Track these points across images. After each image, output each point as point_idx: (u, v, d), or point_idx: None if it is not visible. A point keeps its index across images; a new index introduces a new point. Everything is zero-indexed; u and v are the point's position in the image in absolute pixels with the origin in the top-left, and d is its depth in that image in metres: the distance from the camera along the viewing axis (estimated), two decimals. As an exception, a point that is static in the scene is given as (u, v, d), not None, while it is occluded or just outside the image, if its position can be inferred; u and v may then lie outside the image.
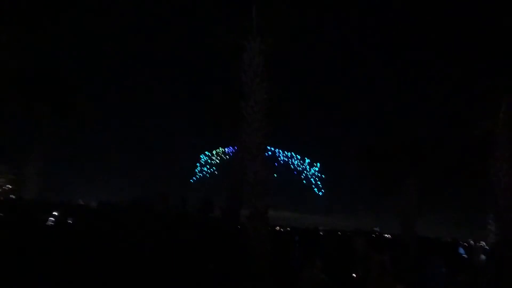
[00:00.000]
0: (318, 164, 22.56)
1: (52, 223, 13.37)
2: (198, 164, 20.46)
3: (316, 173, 22.24)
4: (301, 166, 22.03)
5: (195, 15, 12.09)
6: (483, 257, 13.74)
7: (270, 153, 19.64)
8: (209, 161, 20.21)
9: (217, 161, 20.36)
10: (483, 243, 15.82)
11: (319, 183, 22.30)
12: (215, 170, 20.27)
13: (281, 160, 21.29)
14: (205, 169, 20.42)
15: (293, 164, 21.87)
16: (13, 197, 15.42)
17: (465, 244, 19.95)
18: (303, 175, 22.17)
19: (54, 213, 14.24)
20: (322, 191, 22.71)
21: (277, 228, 22.75)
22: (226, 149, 19.47)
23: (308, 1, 10.86)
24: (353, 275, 9.02)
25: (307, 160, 22.41)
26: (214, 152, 20.14)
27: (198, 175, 20.45)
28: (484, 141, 12.00)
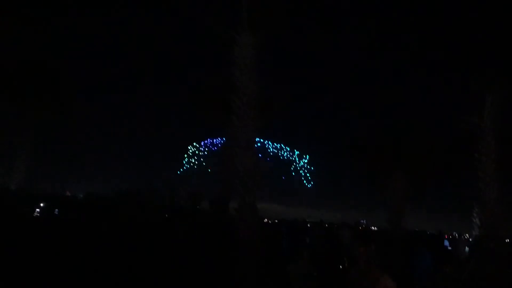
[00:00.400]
0: (307, 156, 22.28)
1: (39, 214, 13.32)
2: (186, 156, 20.06)
3: (306, 165, 21.97)
4: (290, 158, 21.75)
5: (186, 8, 12.08)
6: (467, 249, 14.04)
7: (259, 144, 19.37)
8: (196, 152, 19.83)
9: (205, 152, 20.00)
10: (467, 236, 16.16)
11: (308, 175, 22.10)
12: (203, 161, 19.93)
13: (270, 152, 20.99)
14: (193, 160, 20.05)
15: (282, 156, 21.56)
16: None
17: (450, 236, 20.39)
18: (292, 167, 21.94)
19: (40, 204, 14.18)
20: (311, 183, 22.51)
21: (266, 220, 22.91)
22: (215, 140, 19.15)
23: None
24: (340, 266, 9.18)
25: (297, 152, 22.07)
26: (202, 143, 19.77)
27: (185, 166, 20.06)
28: (470, 135, 12.18)
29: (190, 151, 19.87)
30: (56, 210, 13.15)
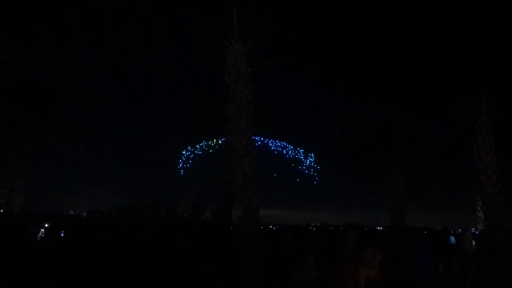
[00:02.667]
0: (313, 155, 20.49)
1: (43, 235, 13.27)
2: (180, 161, 19.08)
3: (312, 164, 20.42)
4: (296, 156, 20.24)
5: (179, 17, 12.17)
6: (473, 243, 13.97)
7: (259, 142, 18.21)
8: (191, 156, 18.89)
9: (200, 153, 18.88)
10: (473, 230, 16.05)
11: (315, 174, 20.54)
12: (199, 165, 18.90)
13: (273, 148, 19.56)
14: (188, 165, 19.05)
15: (287, 154, 20.04)
16: (2, 211, 15.26)
17: (456, 231, 20.23)
18: (299, 167, 20.37)
19: (45, 224, 14.15)
20: (319, 184, 20.89)
21: (270, 227, 22.75)
22: (210, 143, 18.28)
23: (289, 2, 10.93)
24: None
25: (301, 150, 20.33)
26: (197, 146, 18.76)
27: (181, 171, 19.08)
28: (468, 129, 12.16)
29: (184, 156, 18.91)
30: (61, 230, 13.08)
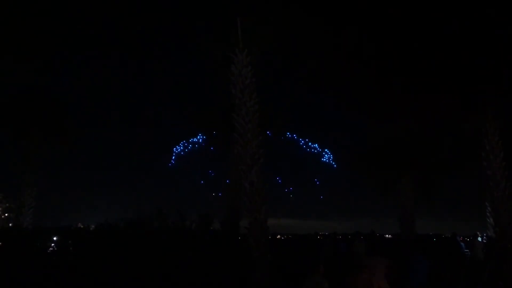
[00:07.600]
0: (327, 151, 18.07)
1: (53, 249, 13.31)
2: (173, 157, 17.10)
3: (329, 161, 18.29)
4: (312, 151, 17.64)
5: (184, 29, 12.30)
6: (483, 251, 13.81)
7: (269, 134, 15.69)
8: (185, 151, 16.89)
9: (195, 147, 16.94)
10: (484, 236, 15.88)
11: (332, 173, 18.45)
12: (197, 164, 17.09)
13: (284, 138, 17.06)
14: (182, 164, 17.29)
15: (303, 146, 17.58)
16: (11, 225, 15.37)
17: (466, 238, 20.03)
18: (315, 163, 18.00)
19: (54, 238, 14.20)
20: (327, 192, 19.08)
21: (278, 236, 22.68)
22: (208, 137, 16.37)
23: (291, 11, 11.02)
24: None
25: (315, 145, 17.74)
26: (191, 140, 16.69)
27: (174, 164, 17.14)
28: (476, 134, 12.11)
29: (175, 153, 16.84)
30: (70, 243, 13.12)
